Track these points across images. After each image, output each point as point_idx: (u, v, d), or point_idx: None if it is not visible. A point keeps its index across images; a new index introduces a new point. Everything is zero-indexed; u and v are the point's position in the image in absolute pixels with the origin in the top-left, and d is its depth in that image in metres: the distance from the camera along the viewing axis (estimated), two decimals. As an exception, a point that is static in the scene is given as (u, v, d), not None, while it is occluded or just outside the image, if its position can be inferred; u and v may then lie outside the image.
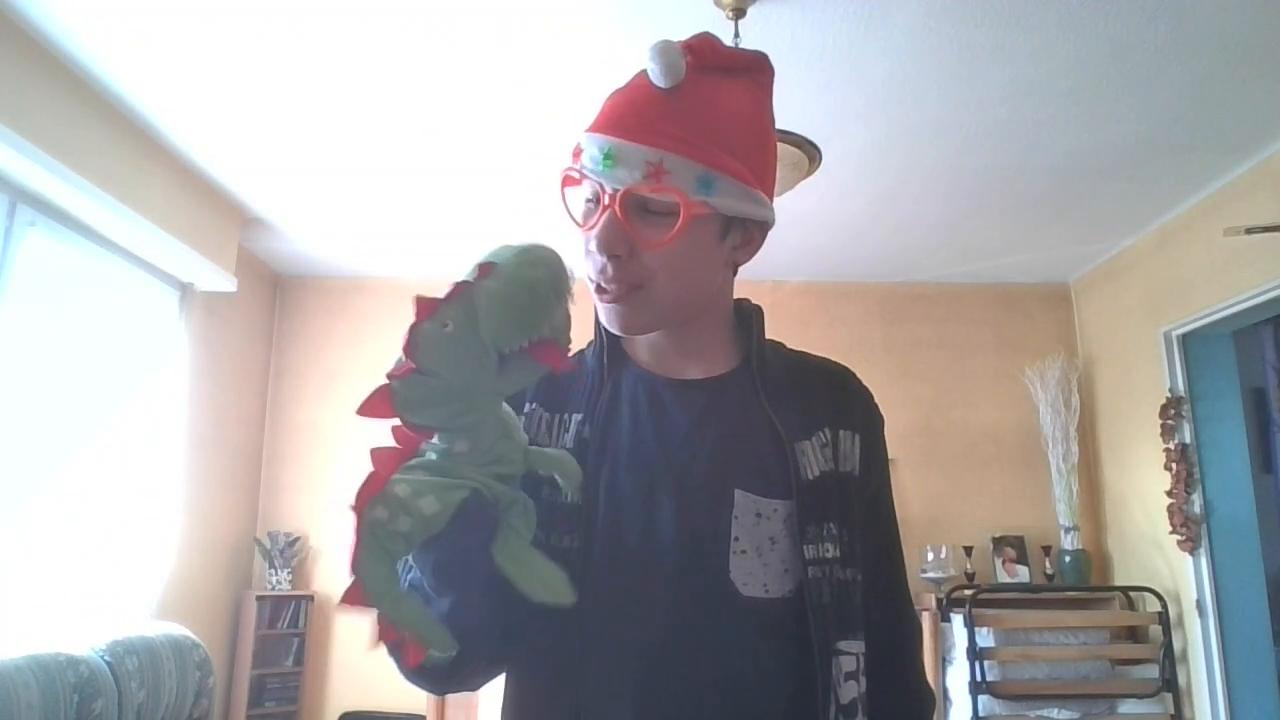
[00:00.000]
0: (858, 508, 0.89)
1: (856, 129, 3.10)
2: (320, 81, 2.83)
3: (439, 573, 0.74)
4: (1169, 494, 3.80)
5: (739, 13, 2.38)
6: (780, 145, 2.26)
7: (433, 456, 0.73)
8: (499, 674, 0.89)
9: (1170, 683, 3.79)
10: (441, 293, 0.70)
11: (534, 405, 0.92)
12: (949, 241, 4.21)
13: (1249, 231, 3.07)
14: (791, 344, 1.00)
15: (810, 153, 2.33)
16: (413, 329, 0.69)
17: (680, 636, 0.81)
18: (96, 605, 3.27)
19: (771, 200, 0.89)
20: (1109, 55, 2.62)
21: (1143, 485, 4.08)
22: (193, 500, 3.91)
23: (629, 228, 0.81)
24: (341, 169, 3.48)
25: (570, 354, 0.87)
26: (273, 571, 4.37)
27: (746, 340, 0.94)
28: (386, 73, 2.76)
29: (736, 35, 2.40)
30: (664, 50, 0.82)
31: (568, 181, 0.87)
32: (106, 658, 2.56)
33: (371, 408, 0.70)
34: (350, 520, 0.71)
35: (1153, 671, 3.87)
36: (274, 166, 3.47)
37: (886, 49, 2.60)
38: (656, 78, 0.82)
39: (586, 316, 0.87)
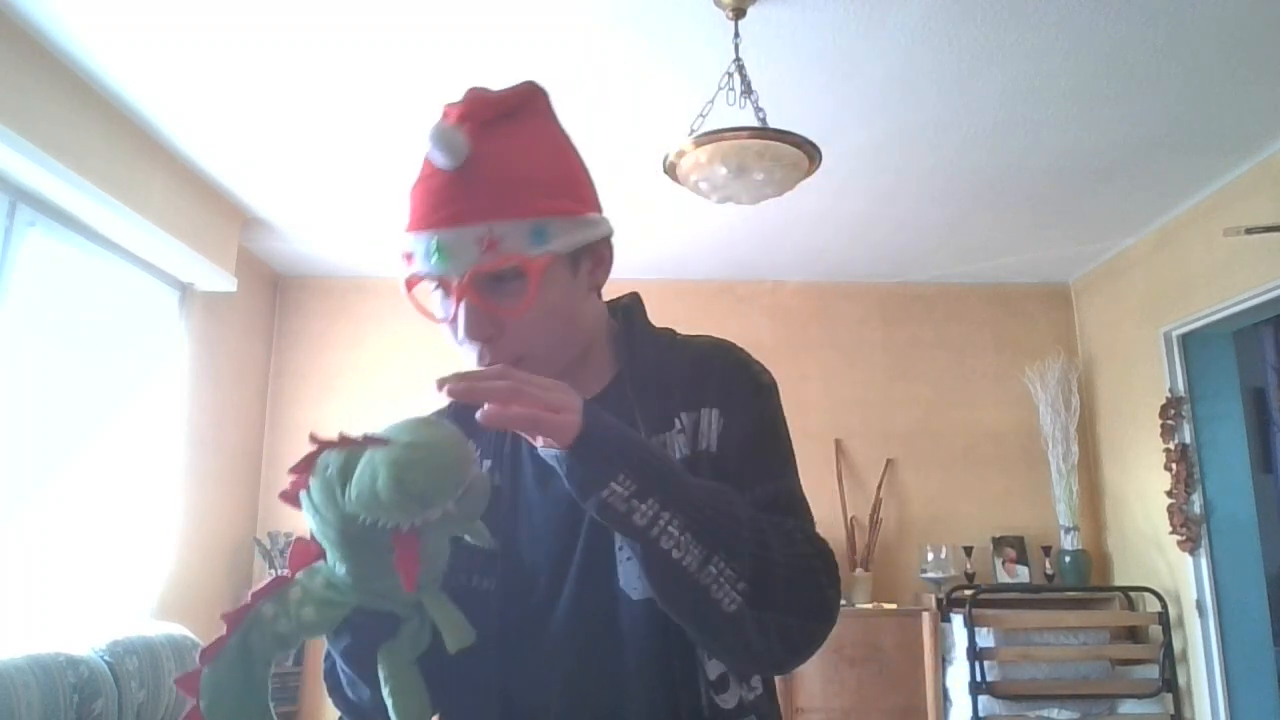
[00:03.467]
0: (717, 480, 0.86)
1: (856, 129, 3.10)
2: (321, 82, 2.83)
3: (347, 659, 0.79)
4: (1169, 494, 3.80)
5: (739, 13, 2.38)
6: (779, 145, 2.26)
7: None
8: None
9: (1170, 683, 3.79)
10: (346, 432, 0.74)
11: None
12: (949, 241, 4.21)
13: (1249, 231, 3.07)
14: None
15: (810, 153, 2.33)
16: (309, 455, 0.72)
17: (584, 657, 0.85)
18: (96, 605, 3.27)
19: (600, 210, 0.90)
20: (1108, 55, 2.62)
21: (1143, 485, 4.08)
22: (193, 500, 3.91)
23: (488, 306, 0.82)
24: (342, 169, 3.48)
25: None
26: (273, 572, 4.37)
27: (618, 348, 0.95)
28: (387, 73, 2.76)
29: (736, 35, 2.40)
30: (441, 135, 0.82)
31: (412, 283, 0.87)
32: (106, 658, 2.56)
33: (288, 496, 0.75)
34: (237, 608, 0.75)
35: (1153, 671, 3.87)
36: (274, 167, 3.47)
37: (886, 49, 2.60)
38: (444, 163, 0.83)
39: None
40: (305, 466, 0.72)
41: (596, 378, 0.94)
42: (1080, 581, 4.23)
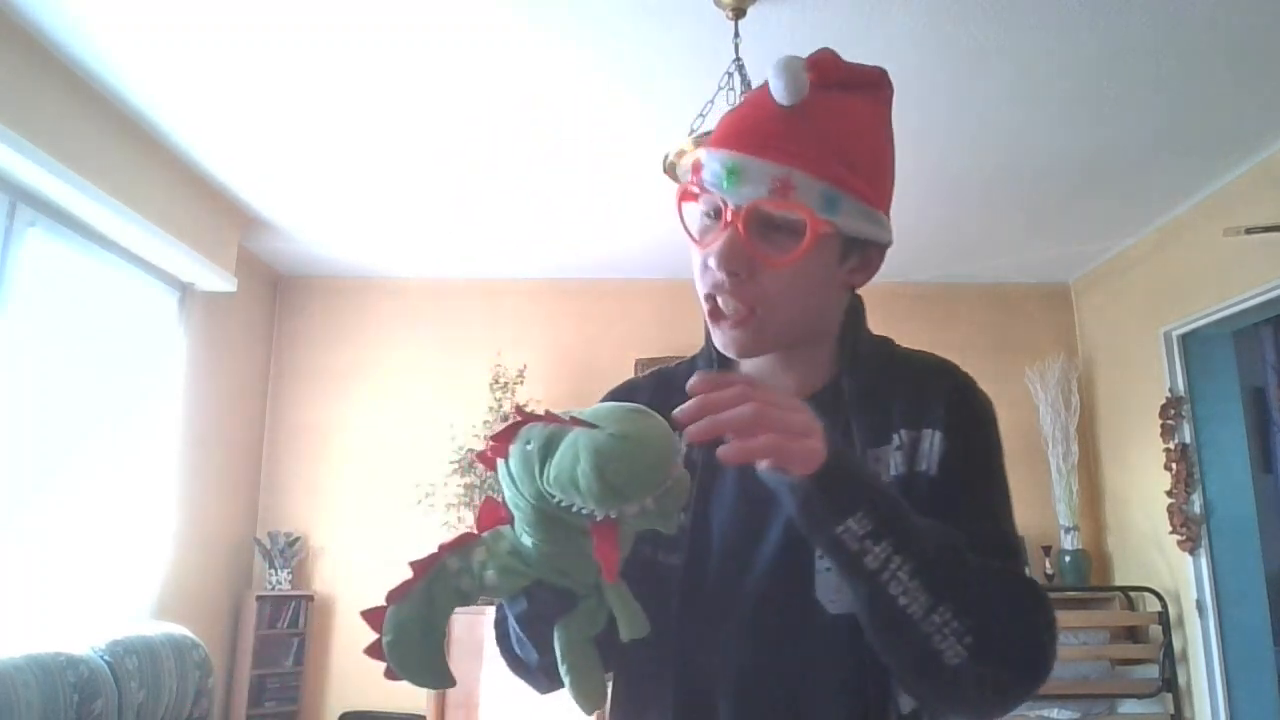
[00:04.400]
0: (934, 507, 0.82)
1: (856, 129, 3.10)
2: (321, 82, 2.83)
3: (521, 624, 0.78)
4: (1169, 494, 3.80)
5: (739, 13, 2.38)
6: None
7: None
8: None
9: (1170, 683, 3.79)
10: (545, 409, 0.73)
11: None
12: (949, 241, 4.21)
13: (1249, 231, 3.07)
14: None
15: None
16: (511, 425, 0.72)
17: (766, 655, 0.83)
18: (96, 605, 3.27)
19: (889, 220, 0.87)
20: (1109, 56, 2.62)
21: (1143, 485, 4.08)
22: (193, 500, 3.91)
23: (751, 245, 0.80)
24: (342, 169, 3.48)
25: (679, 363, 0.98)
26: (273, 571, 4.38)
27: (842, 350, 0.92)
28: (387, 73, 2.76)
29: (736, 35, 2.40)
30: (789, 66, 0.79)
31: (686, 197, 0.85)
32: (106, 658, 2.56)
33: (485, 460, 0.74)
34: (426, 556, 0.75)
35: (1153, 671, 3.87)
36: (275, 166, 3.47)
37: (886, 49, 2.60)
38: (781, 95, 0.79)
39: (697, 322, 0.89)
40: (507, 436, 0.72)
41: (819, 374, 0.92)
42: (1080, 581, 4.23)
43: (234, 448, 4.35)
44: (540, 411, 0.72)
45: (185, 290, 3.85)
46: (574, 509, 0.68)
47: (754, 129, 0.81)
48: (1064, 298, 4.81)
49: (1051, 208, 3.80)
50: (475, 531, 0.77)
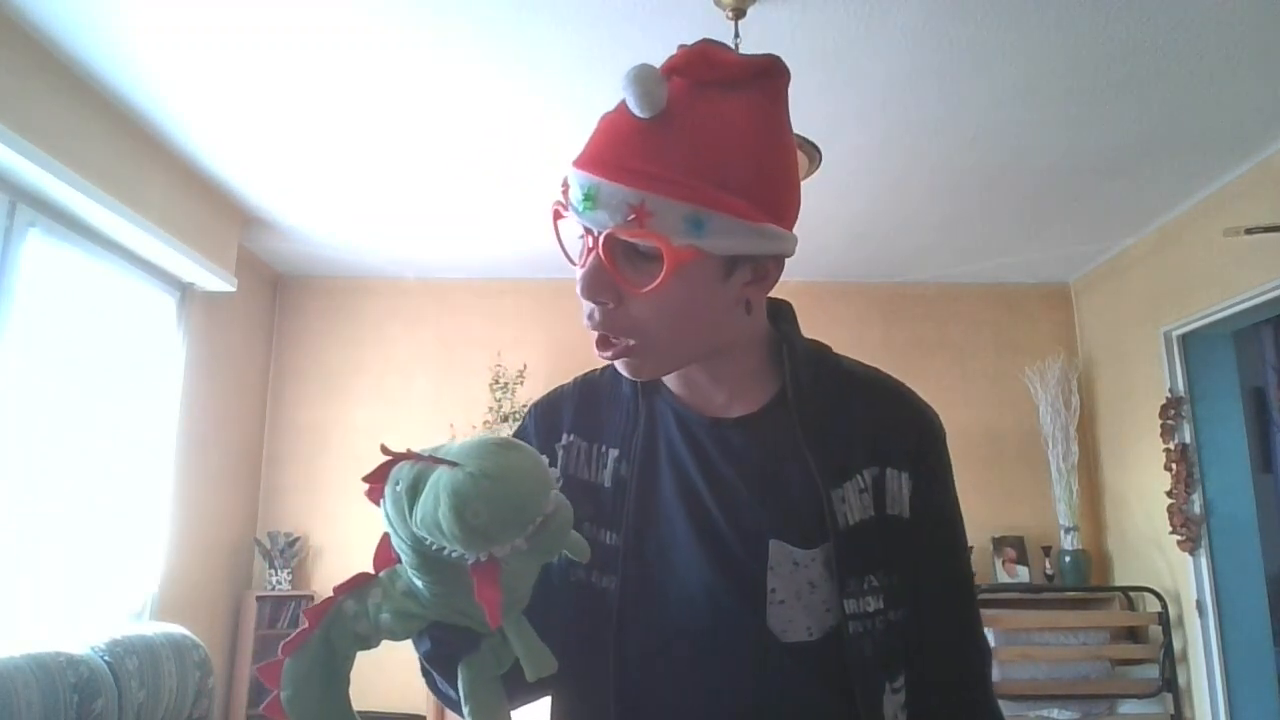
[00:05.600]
0: (908, 549, 0.84)
1: (856, 129, 3.10)
2: (321, 82, 2.83)
3: (429, 661, 0.75)
4: (1169, 494, 3.80)
5: (739, 13, 2.38)
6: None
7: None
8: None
9: (1170, 683, 3.79)
10: (415, 446, 0.70)
11: (571, 437, 0.90)
12: (949, 241, 4.21)
13: (1249, 231, 3.07)
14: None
15: (810, 153, 2.33)
16: (382, 465, 0.69)
17: (715, 684, 0.81)
18: (96, 605, 3.27)
19: (791, 225, 0.82)
20: (1109, 55, 2.62)
21: (1143, 485, 4.08)
22: (193, 500, 3.91)
23: (615, 273, 0.75)
24: (343, 169, 3.48)
25: (605, 367, 0.91)
26: (273, 571, 4.38)
27: (782, 368, 0.88)
28: (388, 73, 2.76)
29: (736, 35, 2.40)
30: (639, 78, 0.73)
31: (558, 216, 0.81)
32: (106, 658, 2.56)
33: (369, 494, 0.71)
34: (320, 601, 0.73)
35: (1153, 671, 3.87)
36: (275, 166, 3.47)
37: (886, 49, 2.60)
38: (635, 109, 0.74)
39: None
40: (379, 476, 0.69)
41: (755, 387, 0.88)
42: (1080, 581, 4.23)
43: (233, 448, 4.35)
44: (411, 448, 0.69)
45: (185, 290, 3.85)
46: (447, 552, 0.65)
47: (611, 147, 0.76)
48: (1064, 298, 4.81)
49: (1051, 207, 3.80)
50: (372, 571, 0.74)
